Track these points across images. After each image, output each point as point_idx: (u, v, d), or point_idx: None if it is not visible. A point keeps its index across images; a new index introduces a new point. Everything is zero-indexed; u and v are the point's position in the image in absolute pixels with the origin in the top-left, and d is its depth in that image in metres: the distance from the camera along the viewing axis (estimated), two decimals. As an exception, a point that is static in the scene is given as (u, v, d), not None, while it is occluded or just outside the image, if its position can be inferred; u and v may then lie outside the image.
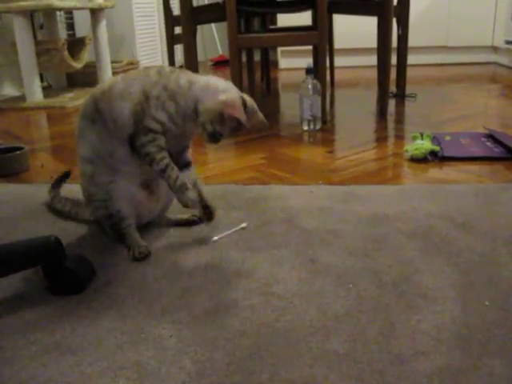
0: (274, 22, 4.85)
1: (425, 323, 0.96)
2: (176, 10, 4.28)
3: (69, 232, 1.41)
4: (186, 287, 1.12)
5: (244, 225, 1.40)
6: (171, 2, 3.37)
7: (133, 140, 1.21)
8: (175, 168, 1.22)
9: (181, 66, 5.06)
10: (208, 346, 0.92)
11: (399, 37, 3.22)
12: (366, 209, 1.49)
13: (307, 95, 2.56)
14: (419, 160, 1.98)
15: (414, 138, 2.10)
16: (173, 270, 1.19)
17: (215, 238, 1.34)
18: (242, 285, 1.12)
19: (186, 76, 1.25)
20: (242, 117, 1.20)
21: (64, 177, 1.64)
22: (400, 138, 2.37)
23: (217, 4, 2.87)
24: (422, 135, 2.10)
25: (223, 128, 1.22)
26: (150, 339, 0.95)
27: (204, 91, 1.22)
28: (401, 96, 3.28)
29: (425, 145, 2.01)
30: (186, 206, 1.23)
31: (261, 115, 1.31)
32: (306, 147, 2.31)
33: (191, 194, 1.22)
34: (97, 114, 1.23)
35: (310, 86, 2.56)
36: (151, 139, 1.19)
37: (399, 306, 1.02)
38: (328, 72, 3.21)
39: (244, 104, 1.24)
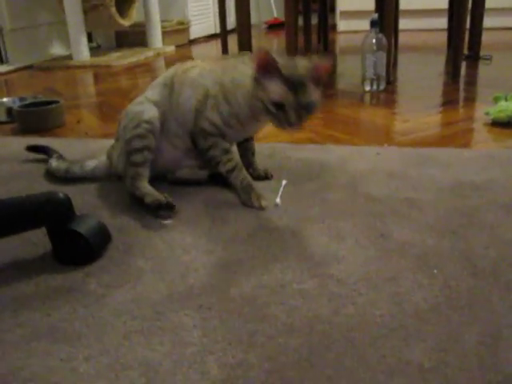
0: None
1: (546, 330, 0.68)
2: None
3: (86, 191, 1.20)
4: (220, 263, 0.88)
5: (285, 182, 1.17)
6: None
7: (194, 139, 1.14)
8: (243, 169, 1.13)
9: (233, 29, 4.79)
10: (242, 344, 0.69)
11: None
12: (447, 175, 1.20)
13: (371, 51, 2.23)
14: (503, 124, 1.64)
15: (497, 100, 1.76)
16: (206, 241, 0.96)
17: (277, 200, 1.10)
18: (290, 263, 0.87)
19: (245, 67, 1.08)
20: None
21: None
22: (474, 100, 2.03)
23: None
24: (506, 97, 1.76)
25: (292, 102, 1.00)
26: (168, 329, 0.72)
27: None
28: (474, 58, 2.89)
29: (510, 107, 1.67)
30: (245, 204, 1.10)
31: None
32: (367, 108, 2.01)
33: (263, 202, 1.08)
34: (171, 88, 1.15)
35: (373, 41, 2.23)
36: (212, 144, 1.11)
37: (505, 302, 0.74)
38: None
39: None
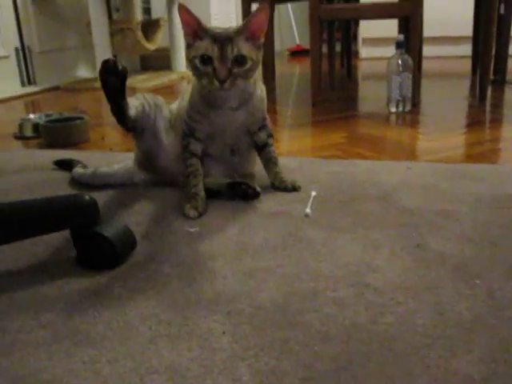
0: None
1: None
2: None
3: (111, 199, 1.18)
4: (249, 270, 0.85)
5: (314, 193, 1.13)
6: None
7: None
8: (200, 178, 1.12)
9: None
10: (275, 350, 0.65)
11: (500, 17, 2.80)
12: (482, 188, 1.15)
13: (396, 72, 2.21)
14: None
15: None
16: (234, 248, 0.92)
17: (307, 210, 1.06)
18: (323, 271, 0.83)
19: None
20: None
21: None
22: (501, 121, 1.99)
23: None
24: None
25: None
26: (196, 335, 0.68)
27: None
28: (500, 82, 2.86)
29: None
30: (184, 214, 1.07)
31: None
32: (393, 128, 1.98)
33: (192, 212, 1.07)
34: None
35: (399, 62, 2.21)
36: (186, 144, 1.14)
37: (556, 314, 0.69)
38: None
39: None
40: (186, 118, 1.13)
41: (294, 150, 1.64)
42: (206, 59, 0.99)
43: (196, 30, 1.00)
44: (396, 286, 0.78)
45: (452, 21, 3.98)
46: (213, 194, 1.15)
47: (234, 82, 1.00)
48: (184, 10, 1.00)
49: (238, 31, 1.00)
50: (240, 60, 1.00)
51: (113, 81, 1.02)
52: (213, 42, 0.98)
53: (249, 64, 1.01)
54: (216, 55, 0.98)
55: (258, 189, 1.14)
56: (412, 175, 1.27)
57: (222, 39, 0.99)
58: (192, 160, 1.13)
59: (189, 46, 1.03)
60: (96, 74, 3.45)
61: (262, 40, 1.04)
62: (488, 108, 2.26)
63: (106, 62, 1.01)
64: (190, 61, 1.02)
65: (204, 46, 0.99)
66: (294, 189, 1.18)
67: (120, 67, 1.01)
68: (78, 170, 1.29)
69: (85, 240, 0.87)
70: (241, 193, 1.13)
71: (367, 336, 0.66)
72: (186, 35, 1.03)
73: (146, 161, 1.23)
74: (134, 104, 1.13)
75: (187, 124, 1.13)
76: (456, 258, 0.85)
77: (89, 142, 1.89)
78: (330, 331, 0.68)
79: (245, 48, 1.00)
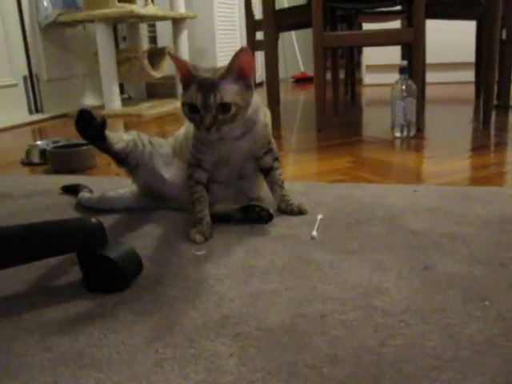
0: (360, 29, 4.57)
1: None
2: (258, 14, 4.11)
3: (117, 222, 1.18)
4: (256, 293, 0.84)
5: (320, 216, 1.13)
6: (253, 5, 3.19)
7: None
8: (205, 204, 1.12)
9: (261, 82, 4.91)
10: (283, 373, 0.64)
11: (502, 42, 2.83)
12: (490, 211, 1.15)
13: (400, 97, 2.23)
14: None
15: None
16: (241, 271, 0.92)
17: (314, 233, 1.06)
18: (330, 293, 0.82)
19: None
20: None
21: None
22: (505, 145, 2.00)
23: (301, 6, 2.64)
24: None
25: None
26: (203, 357, 0.68)
27: None
28: (504, 107, 2.88)
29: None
30: (190, 239, 1.07)
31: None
32: (398, 153, 1.98)
33: (198, 237, 1.06)
34: None
35: (403, 87, 2.24)
36: (190, 173, 1.15)
37: None
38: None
39: None
40: (191, 149, 1.13)
41: (300, 174, 1.65)
42: (192, 107, 1.01)
43: (187, 75, 1.02)
44: (404, 308, 0.77)
45: (454, 47, 4.03)
46: (223, 218, 1.15)
47: (220, 128, 1.01)
48: (175, 58, 1.03)
49: (223, 75, 1.00)
50: (223, 107, 0.99)
51: (89, 131, 1.04)
52: (198, 90, 0.99)
53: (233, 110, 1.00)
54: (200, 104, 0.99)
55: (272, 211, 1.14)
56: (418, 198, 1.26)
57: (207, 87, 0.99)
58: (197, 187, 1.13)
59: (183, 90, 1.04)
60: (102, 101, 3.50)
61: (252, 79, 1.04)
62: (492, 132, 2.26)
63: (81, 113, 1.02)
64: (181, 106, 1.04)
65: (190, 94, 1.00)
66: (301, 212, 1.18)
67: (97, 118, 1.03)
68: (84, 194, 1.29)
69: (91, 263, 0.87)
70: (255, 216, 1.13)
71: (376, 358, 0.65)
72: (180, 80, 1.05)
73: (149, 191, 1.24)
74: (123, 138, 1.15)
75: (193, 155, 1.13)
76: (464, 279, 0.84)
77: (95, 168, 1.90)
78: (338, 353, 0.67)
79: (229, 93, 0.99)
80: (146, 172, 1.20)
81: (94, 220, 0.88)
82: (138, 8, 3.29)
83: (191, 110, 1.01)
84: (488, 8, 2.35)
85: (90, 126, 1.05)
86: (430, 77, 4.31)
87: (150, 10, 3.46)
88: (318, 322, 0.74)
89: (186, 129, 1.25)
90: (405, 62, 2.29)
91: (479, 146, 2.03)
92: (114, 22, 3.39)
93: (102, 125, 1.06)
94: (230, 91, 0.99)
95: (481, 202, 1.22)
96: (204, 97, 0.98)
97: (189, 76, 1.01)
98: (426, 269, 0.89)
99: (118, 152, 1.13)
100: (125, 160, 1.16)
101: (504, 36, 2.82)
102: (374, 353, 0.67)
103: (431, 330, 0.71)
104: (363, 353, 0.67)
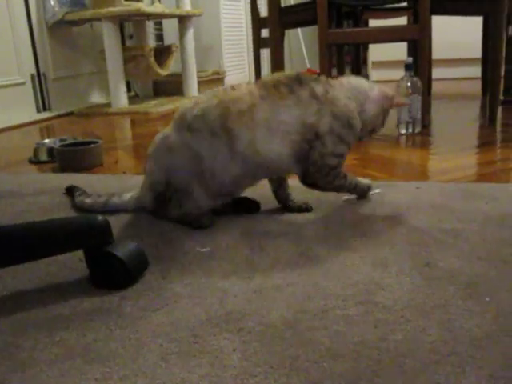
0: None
1: None
2: (263, 11, 4.11)
3: (122, 221, 1.20)
4: (259, 289, 0.85)
5: (378, 190, 1.28)
6: (259, 3, 3.20)
7: (307, 178, 1.15)
8: (353, 177, 1.22)
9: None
10: (285, 368, 0.65)
11: (509, 38, 2.82)
12: (492, 207, 1.16)
13: (406, 94, 2.23)
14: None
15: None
16: (244, 268, 0.93)
17: (346, 197, 1.22)
18: (332, 289, 0.83)
19: (337, 89, 1.16)
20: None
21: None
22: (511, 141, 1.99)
23: (306, 3, 2.64)
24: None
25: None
26: (206, 352, 0.69)
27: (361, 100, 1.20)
28: (510, 102, 2.87)
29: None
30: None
31: None
32: (403, 150, 1.99)
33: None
34: (222, 131, 1.07)
35: (408, 84, 2.24)
36: (336, 175, 1.15)
37: None
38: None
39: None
40: (344, 151, 1.18)
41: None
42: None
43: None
44: (405, 303, 0.78)
45: (461, 43, 4.02)
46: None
47: None
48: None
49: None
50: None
51: None
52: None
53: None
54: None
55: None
56: (421, 194, 1.27)
57: None
58: (348, 179, 1.20)
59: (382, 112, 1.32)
60: (109, 99, 3.52)
61: None
62: (498, 128, 2.26)
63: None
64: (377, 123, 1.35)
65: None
66: (306, 209, 1.20)
67: None
68: (81, 199, 1.26)
69: (98, 260, 0.89)
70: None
71: (376, 353, 0.67)
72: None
73: None
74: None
75: (343, 155, 1.18)
76: (465, 275, 0.85)
77: (102, 166, 1.92)
78: (339, 348, 0.68)
79: None
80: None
81: (100, 218, 0.90)
82: (144, 6, 3.31)
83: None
84: (494, 4, 2.35)
85: None
86: (436, 73, 4.29)
87: (157, 7, 3.48)
88: (320, 318, 0.76)
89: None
90: (410, 59, 2.28)
91: (485, 142, 2.03)
92: (120, 20, 3.41)
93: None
94: None
95: (484, 198, 1.22)
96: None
97: None
98: (427, 265, 0.90)
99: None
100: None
101: (510, 32, 2.80)
102: (373, 348, 0.68)
103: (431, 326, 0.72)
104: (363, 348, 0.68)
